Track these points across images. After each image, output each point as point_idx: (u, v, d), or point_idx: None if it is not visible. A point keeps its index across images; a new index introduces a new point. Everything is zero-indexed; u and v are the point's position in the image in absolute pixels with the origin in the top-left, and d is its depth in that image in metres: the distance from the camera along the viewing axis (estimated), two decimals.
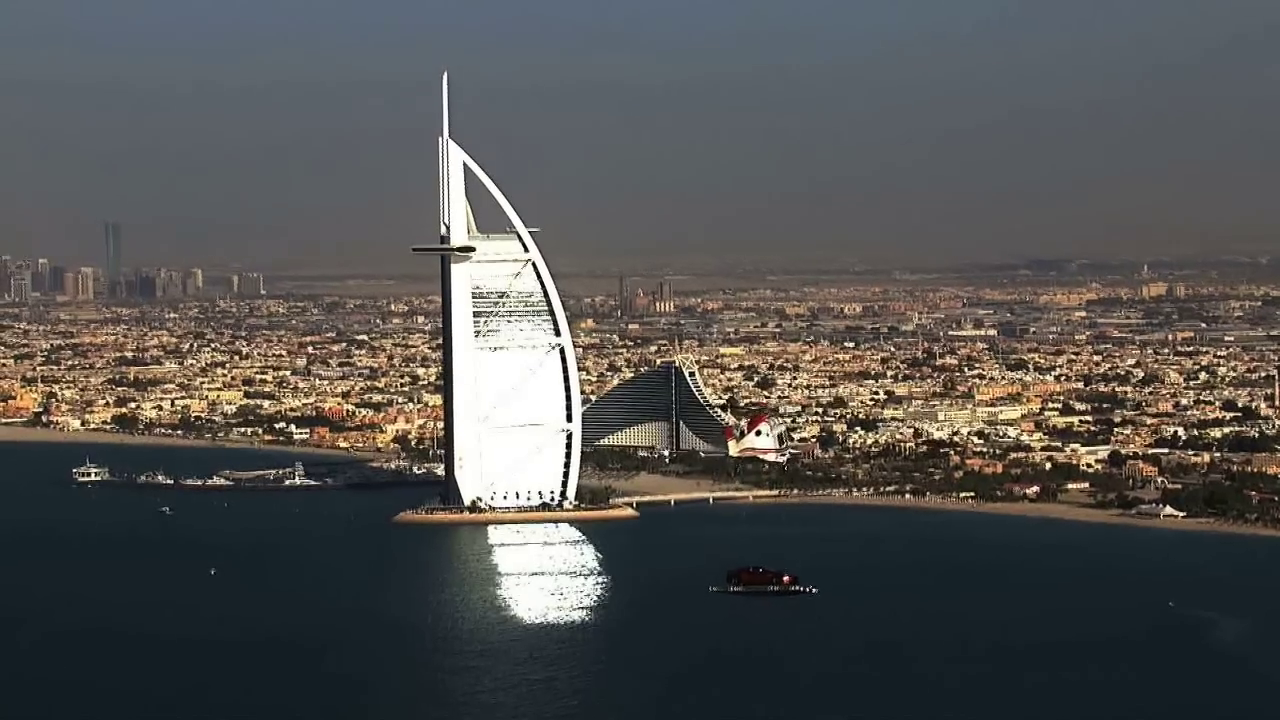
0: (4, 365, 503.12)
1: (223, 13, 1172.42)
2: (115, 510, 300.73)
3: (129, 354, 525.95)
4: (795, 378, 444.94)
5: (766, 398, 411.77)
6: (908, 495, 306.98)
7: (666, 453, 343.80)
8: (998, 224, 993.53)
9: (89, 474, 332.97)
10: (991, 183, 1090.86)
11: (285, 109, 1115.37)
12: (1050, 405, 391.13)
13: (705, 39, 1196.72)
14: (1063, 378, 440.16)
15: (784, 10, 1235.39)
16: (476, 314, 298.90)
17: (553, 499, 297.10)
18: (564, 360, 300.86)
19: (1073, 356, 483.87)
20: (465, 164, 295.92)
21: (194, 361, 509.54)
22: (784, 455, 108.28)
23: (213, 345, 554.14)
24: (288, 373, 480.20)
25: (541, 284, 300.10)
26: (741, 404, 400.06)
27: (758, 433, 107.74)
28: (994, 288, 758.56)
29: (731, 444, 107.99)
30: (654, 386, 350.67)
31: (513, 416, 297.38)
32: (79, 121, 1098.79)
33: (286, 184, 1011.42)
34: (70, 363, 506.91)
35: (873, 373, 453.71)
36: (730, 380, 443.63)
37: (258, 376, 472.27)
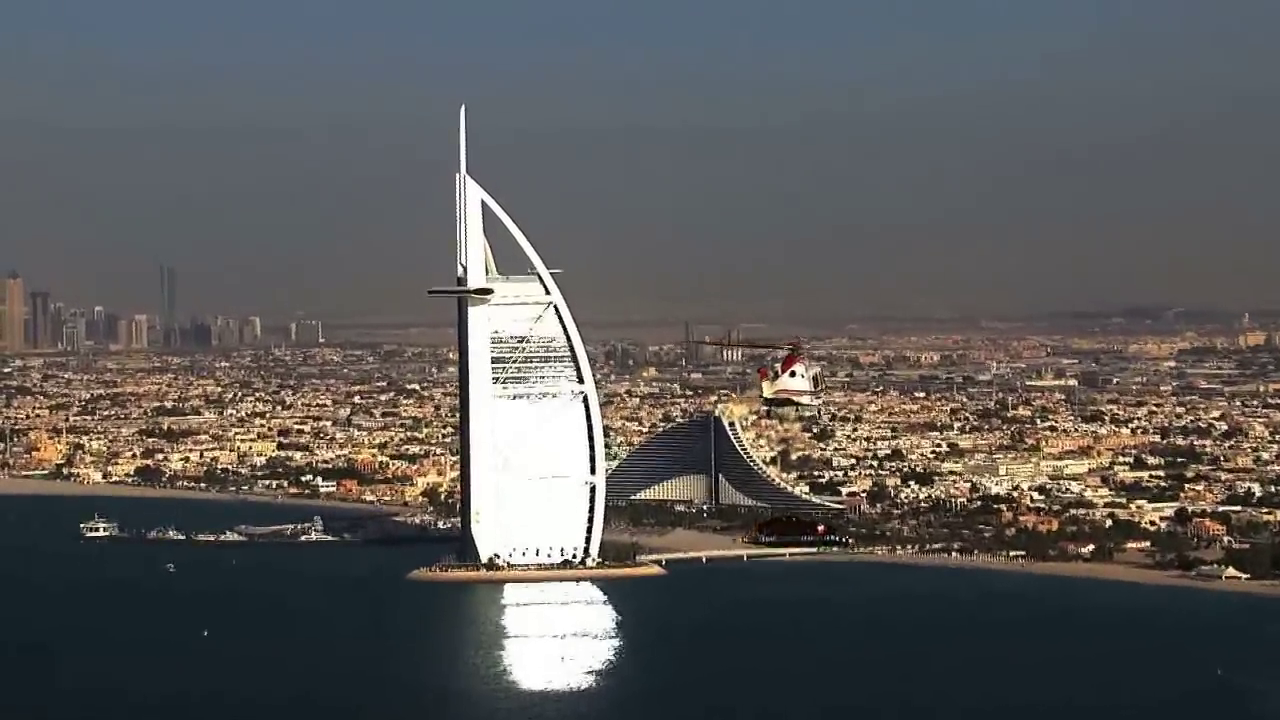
0: (38, 416, 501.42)
1: (239, 50, 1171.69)
2: (118, 567, 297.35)
3: (169, 404, 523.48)
4: (856, 429, 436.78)
5: (823, 448, 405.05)
6: (955, 554, 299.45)
7: (706, 507, 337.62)
8: (1094, 269, 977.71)
9: (97, 529, 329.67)
10: (1089, 225, 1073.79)
11: (310, 147, 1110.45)
12: (1121, 459, 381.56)
13: (765, 78, 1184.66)
14: (1140, 430, 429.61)
15: (850, 46, 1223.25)
16: (495, 360, 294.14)
17: (574, 556, 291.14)
18: (587, 409, 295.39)
19: (1154, 408, 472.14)
20: (484, 202, 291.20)
21: (234, 411, 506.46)
22: (818, 399, 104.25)
23: (257, 395, 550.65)
24: (328, 423, 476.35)
25: (564, 328, 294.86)
26: (794, 456, 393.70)
27: (791, 373, 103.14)
28: (1083, 336, 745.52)
29: (765, 385, 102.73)
30: (692, 438, 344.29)
31: (533, 468, 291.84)
32: (136, 165, 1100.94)
33: (333, 227, 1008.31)
34: (106, 413, 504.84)
35: (938, 424, 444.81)
36: (787, 431, 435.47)
37: (295, 427, 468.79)
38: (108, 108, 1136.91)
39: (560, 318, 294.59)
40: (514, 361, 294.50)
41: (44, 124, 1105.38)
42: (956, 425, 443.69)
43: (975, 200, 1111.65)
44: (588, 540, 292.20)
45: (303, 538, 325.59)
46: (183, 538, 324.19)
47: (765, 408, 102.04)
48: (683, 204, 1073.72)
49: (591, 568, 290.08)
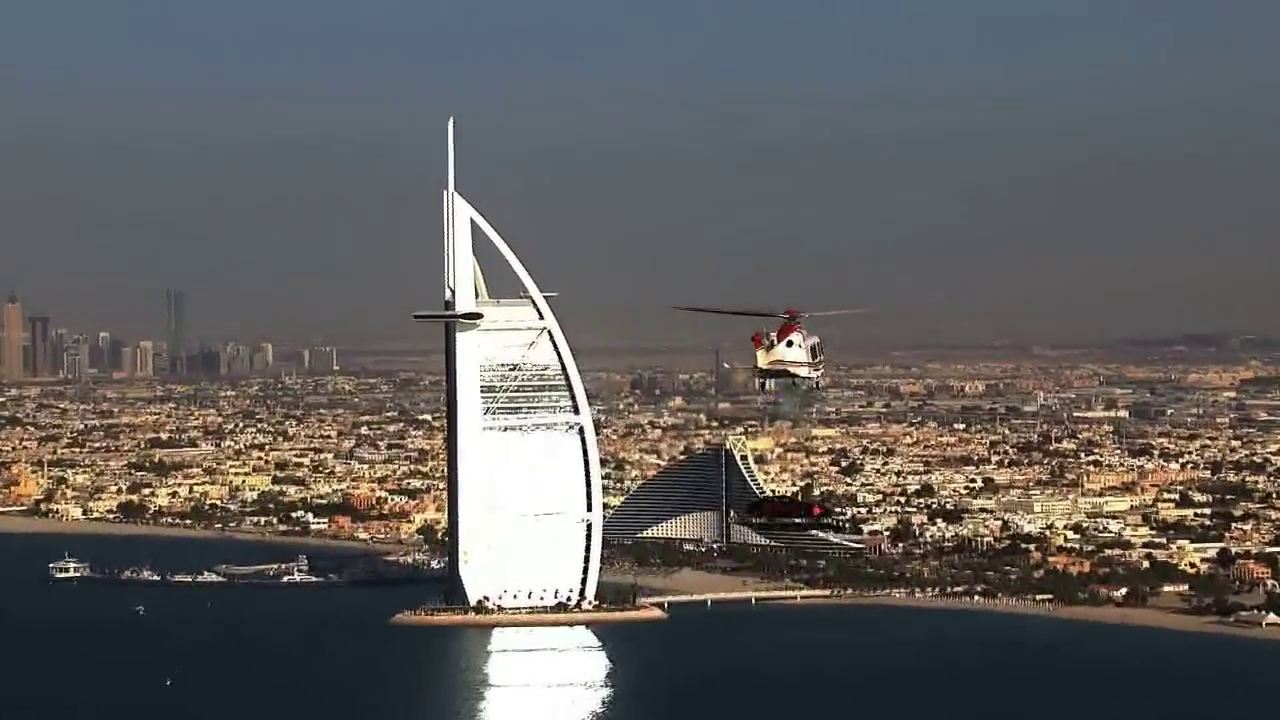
0: (25, 448, 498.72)
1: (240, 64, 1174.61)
2: (85, 610, 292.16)
3: (164, 435, 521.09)
4: (887, 463, 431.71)
5: (849, 483, 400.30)
6: (977, 597, 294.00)
7: (716, 546, 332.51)
8: (1155, 292, 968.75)
9: (67, 569, 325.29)
10: (1151, 246, 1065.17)
11: (320, 166, 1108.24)
12: (1166, 496, 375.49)
13: (793, 94, 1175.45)
14: (1189, 465, 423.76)
15: (883, 60, 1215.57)
16: (485, 389, 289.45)
17: (569, 598, 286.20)
18: (584, 442, 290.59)
19: (1208, 442, 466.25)
20: (473, 221, 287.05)
21: (232, 443, 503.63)
22: (817, 370, 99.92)
23: (259, 425, 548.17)
24: (330, 455, 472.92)
25: (559, 355, 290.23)
26: (817, 492, 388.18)
27: (788, 343, 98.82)
28: (1140, 364, 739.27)
29: (760, 354, 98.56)
30: (702, 473, 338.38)
31: (525, 505, 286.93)
32: (140, 185, 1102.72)
33: (348, 249, 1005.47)
34: (96, 445, 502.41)
35: (975, 458, 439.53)
36: (814, 465, 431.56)
37: (294, 460, 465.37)
38: (108, 127, 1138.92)
39: (555, 344, 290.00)
40: (505, 391, 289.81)
41: (44, 142, 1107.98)
42: (995, 459, 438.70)
43: (1030, 220, 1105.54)
44: (584, 582, 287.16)
45: (286, 578, 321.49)
46: (157, 578, 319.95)
47: (759, 379, 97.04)
48: (708, 224, 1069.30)
49: (587, 611, 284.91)
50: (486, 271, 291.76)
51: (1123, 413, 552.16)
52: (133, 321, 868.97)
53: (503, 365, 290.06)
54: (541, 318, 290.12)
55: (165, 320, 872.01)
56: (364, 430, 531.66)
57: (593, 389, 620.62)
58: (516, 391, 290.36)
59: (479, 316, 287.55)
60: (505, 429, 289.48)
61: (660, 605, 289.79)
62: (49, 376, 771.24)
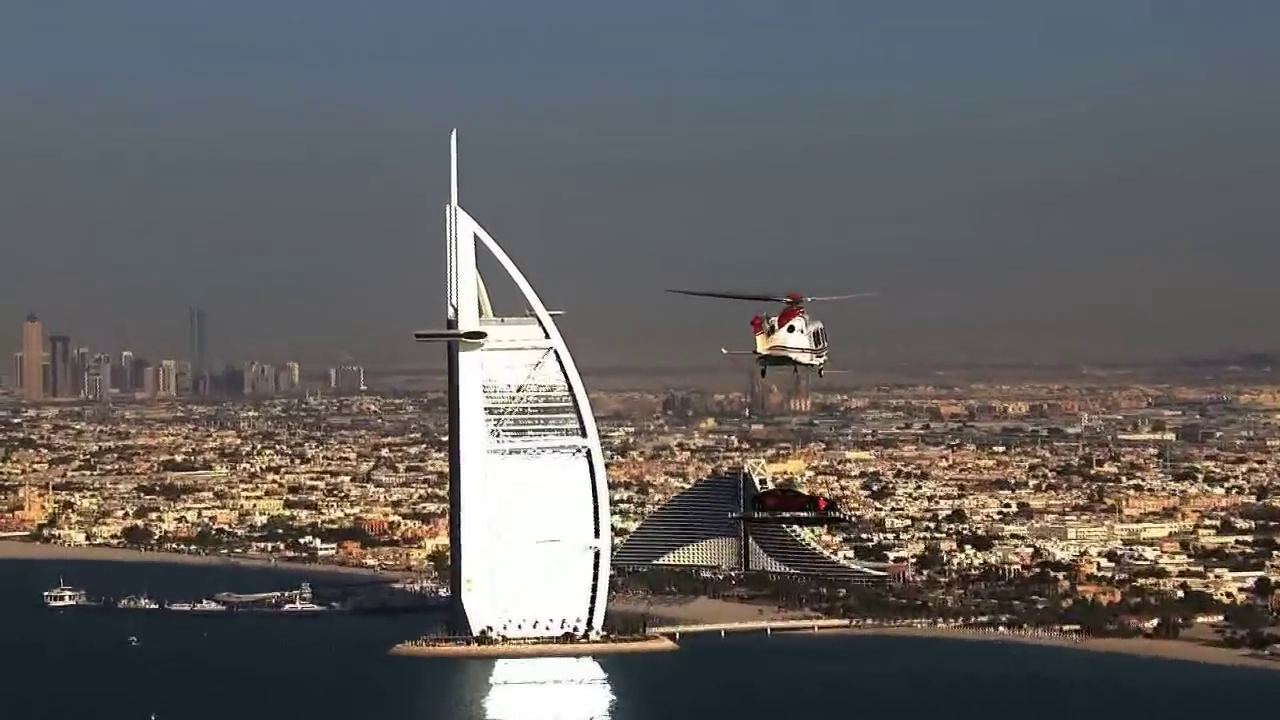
0: (35, 470, 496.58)
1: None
2: (75, 640, 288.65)
3: (179, 457, 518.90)
4: (919, 487, 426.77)
5: (878, 508, 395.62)
6: (1002, 628, 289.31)
7: (735, 573, 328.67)
8: (1211, 309, 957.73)
9: (62, 597, 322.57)
10: (1208, 260, 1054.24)
11: (338, 182, 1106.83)
12: (1207, 522, 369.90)
13: (812, 102, 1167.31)
14: (1235, 490, 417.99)
15: (907, 68, 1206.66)
16: (489, 411, 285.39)
17: (576, 628, 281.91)
18: (591, 465, 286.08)
19: (1256, 465, 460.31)
20: (476, 236, 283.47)
21: (247, 466, 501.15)
22: (820, 358, 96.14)
23: (277, 447, 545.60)
24: (346, 478, 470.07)
25: (565, 376, 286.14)
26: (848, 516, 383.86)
27: (790, 329, 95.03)
28: (1192, 385, 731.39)
29: (760, 339, 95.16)
30: (719, 498, 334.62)
31: (530, 531, 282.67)
32: (162, 200, 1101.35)
33: (376, 266, 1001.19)
34: (108, 467, 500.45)
35: (1011, 482, 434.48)
36: (845, 488, 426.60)
37: (309, 483, 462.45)
38: (125, 140, 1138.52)
39: (561, 364, 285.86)
40: (510, 412, 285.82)
41: (62, 158, 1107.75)
42: (1032, 483, 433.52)
43: (1080, 233, 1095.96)
44: (591, 611, 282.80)
45: (287, 606, 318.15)
46: (155, 606, 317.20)
47: (760, 365, 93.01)
48: (718, 234, 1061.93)
49: (594, 642, 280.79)
50: (490, 289, 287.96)
51: (1169, 435, 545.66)
52: (156, 340, 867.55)
53: (507, 386, 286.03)
54: (547, 336, 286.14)
55: (189, 339, 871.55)
56: (384, 452, 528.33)
57: (624, 409, 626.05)
58: (521, 413, 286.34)
59: (482, 335, 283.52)
60: (510, 452, 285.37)
61: (671, 635, 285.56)
62: (69, 397, 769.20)
